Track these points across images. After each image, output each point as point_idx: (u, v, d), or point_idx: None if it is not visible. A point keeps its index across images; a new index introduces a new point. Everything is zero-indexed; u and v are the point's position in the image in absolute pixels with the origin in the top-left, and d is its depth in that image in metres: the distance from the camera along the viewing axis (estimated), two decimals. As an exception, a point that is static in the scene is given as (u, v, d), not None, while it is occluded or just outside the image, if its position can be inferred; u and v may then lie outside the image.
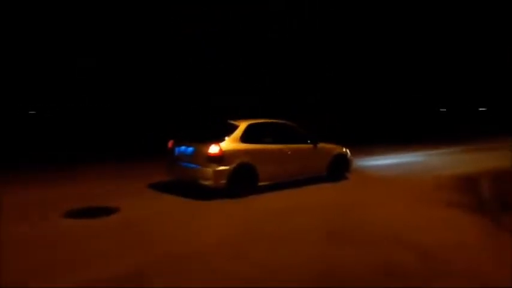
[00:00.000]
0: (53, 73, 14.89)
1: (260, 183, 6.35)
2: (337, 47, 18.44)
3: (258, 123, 6.69)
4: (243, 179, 6.08)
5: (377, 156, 11.60)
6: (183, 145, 6.42)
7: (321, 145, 7.35)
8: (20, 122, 15.67)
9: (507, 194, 6.25)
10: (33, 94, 15.77)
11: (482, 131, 21.88)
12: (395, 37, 21.99)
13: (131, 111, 15.92)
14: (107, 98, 15.54)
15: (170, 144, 6.72)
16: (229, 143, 6.04)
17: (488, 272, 3.31)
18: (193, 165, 6.09)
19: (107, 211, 5.18)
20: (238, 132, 6.22)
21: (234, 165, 5.97)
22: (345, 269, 3.34)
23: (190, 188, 6.26)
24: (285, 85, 17.40)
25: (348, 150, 7.90)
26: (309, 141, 7.21)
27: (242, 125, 6.35)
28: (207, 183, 5.89)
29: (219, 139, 6.03)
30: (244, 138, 6.25)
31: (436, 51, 24.98)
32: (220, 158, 5.87)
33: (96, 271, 3.21)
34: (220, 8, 14.63)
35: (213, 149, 5.86)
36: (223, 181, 5.90)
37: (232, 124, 6.42)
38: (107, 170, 8.96)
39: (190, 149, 6.24)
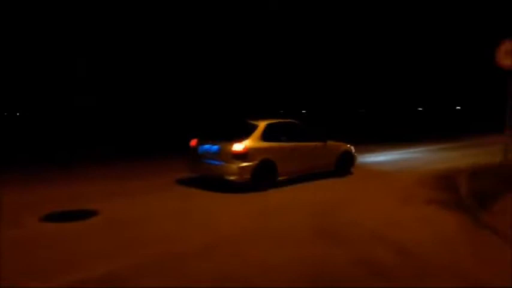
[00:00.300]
0: (53, 73, 14.96)
1: (279, 178, 6.93)
2: (330, 53, 19.39)
3: (275, 122, 7.25)
4: (264, 174, 6.64)
5: (375, 153, 12.37)
6: (207, 144, 6.92)
7: (329, 143, 8.01)
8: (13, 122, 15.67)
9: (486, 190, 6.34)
10: (30, 95, 15.74)
11: (466, 128, 23.16)
12: (376, 44, 23.09)
13: (130, 111, 16.18)
14: (106, 99, 15.75)
15: (193, 142, 7.21)
16: (251, 141, 6.58)
17: (469, 268, 3.37)
18: (218, 162, 6.60)
19: (99, 211, 5.23)
20: (258, 131, 6.77)
21: (256, 161, 6.53)
22: (339, 267, 3.48)
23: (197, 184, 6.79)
24: (286, 87, 18.11)
25: (352, 147, 8.58)
26: (318, 139, 7.85)
27: (261, 125, 6.90)
28: (232, 178, 6.41)
29: (242, 138, 6.56)
30: (264, 136, 6.80)
31: (414, 56, 26.28)
32: (245, 155, 6.41)
33: (94, 269, 3.28)
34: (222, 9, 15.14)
35: (238, 147, 6.40)
36: (248, 176, 6.45)
37: (252, 124, 6.96)
38: (110, 170, 9.16)
39: (215, 147, 6.74)
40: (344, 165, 8.33)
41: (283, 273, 3.31)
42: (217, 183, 6.70)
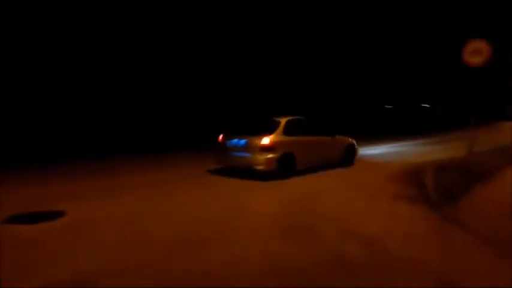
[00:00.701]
0: (53, 73, 15.06)
1: (298, 168, 7.88)
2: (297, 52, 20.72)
3: (293, 119, 8.14)
4: (286, 164, 7.56)
5: (369, 146, 13.70)
6: (234, 138, 7.76)
7: (337, 137, 9.05)
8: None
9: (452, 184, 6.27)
10: (31, 94, 15.64)
11: (438, 125, 25.12)
12: (342, 42, 24.48)
13: (136, 112, 16.53)
14: (114, 99, 16.05)
15: (221, 138, 8.04)
16: (276, 136, 7.47)
17: (437, 263, 3.38)
18: (246, 154, 7.46)
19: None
20: (281, 127, 7.67)
21: (280, 153, 7.43)
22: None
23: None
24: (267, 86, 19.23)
25: (354, 141, 9.67)
26: (328, 134, 8.86)
27: (283, 121, 7.81)
28: (260, 168, 7.29)
29: (267, 133, 7.45)
30: (285, 131, 7.70)
31: (380, 53, 27.91)
32: (271, 148, 7.31)
33: (57, 272, 3.18)
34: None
35: (265, 140, 7.29)
36: (273, 166, 7.34)
37: (275, 120, 7.85)
38: (101, 167, 9.66)
39: (243, 141, 7.59)
40: (348, 157, 9.41)
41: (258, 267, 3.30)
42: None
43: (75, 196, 6.05)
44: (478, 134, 8.54)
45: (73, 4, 14.89)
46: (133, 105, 16.10)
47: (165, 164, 10.24)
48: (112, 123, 15.27)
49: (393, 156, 11.59)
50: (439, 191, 6.08)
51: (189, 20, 16.60)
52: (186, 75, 17.11)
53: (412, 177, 7.76)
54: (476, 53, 7.62)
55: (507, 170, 7.15)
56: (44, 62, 14.77)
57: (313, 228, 4.42)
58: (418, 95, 38.95)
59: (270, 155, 7.31)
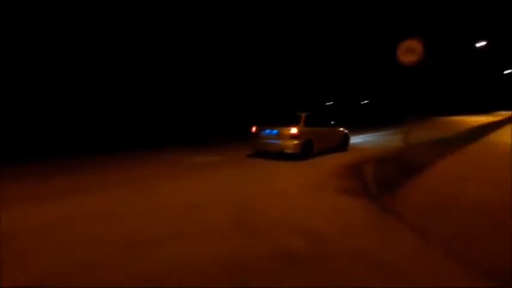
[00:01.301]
0: (53, 73, 15.59)
1: (314, 151, 10.31)
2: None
3: (309, 113, 10.50)
4: (307, 148, 9.95)
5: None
6: (267, 129, 9.98)
7: (337, 128, 11.63)
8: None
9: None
10: (30, 94, 15.98)
11: (385, 119, 29.01)
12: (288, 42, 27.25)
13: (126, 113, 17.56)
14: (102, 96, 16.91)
15: (254, 129, 10.22)
16: (300, 127, 9.80)
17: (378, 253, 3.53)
18: (278, 141, 9.73)
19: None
20: (302, 120, 10.03)
21: (303, 140, 9.78)
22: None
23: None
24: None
25: (348, 132, 12.32)
26: (331, 125, 11.38)
27: (303, 115, 10.16)
28: (289, 151, 9.59)
29: (294, 124, 9.76)
30: (305, 123, 10.07)
31: (321, 53, 31.25)
32: (297, 136, 9.63)
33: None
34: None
35: (294, 130, 9.60)
36: (298, 150, 9.69)
37: (298, 114, 10.18)
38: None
39: (275, 131, 9.83)
40: (344, 144, 12.05)
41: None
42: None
43: (66, 192, 5.98)
44: (415, 128, 9.74)
45: (73, 4, 15.63)
46: (134, 105, 17.20)
47: (163, 158, 10.55)
48: (113, 121, 16.19)
49: (370, 143, 14.48)
50: (379, 181, 6.42)
51: (193, 21, 17.96)
52: (187, 74, 18.63)
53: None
54: (409, 51, 7.90)
55: (438, 162, 7.57)
56: (44, 62, 15.33)
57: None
58: (359, 92, 43.01)
59: (296, 141, 9.63)
